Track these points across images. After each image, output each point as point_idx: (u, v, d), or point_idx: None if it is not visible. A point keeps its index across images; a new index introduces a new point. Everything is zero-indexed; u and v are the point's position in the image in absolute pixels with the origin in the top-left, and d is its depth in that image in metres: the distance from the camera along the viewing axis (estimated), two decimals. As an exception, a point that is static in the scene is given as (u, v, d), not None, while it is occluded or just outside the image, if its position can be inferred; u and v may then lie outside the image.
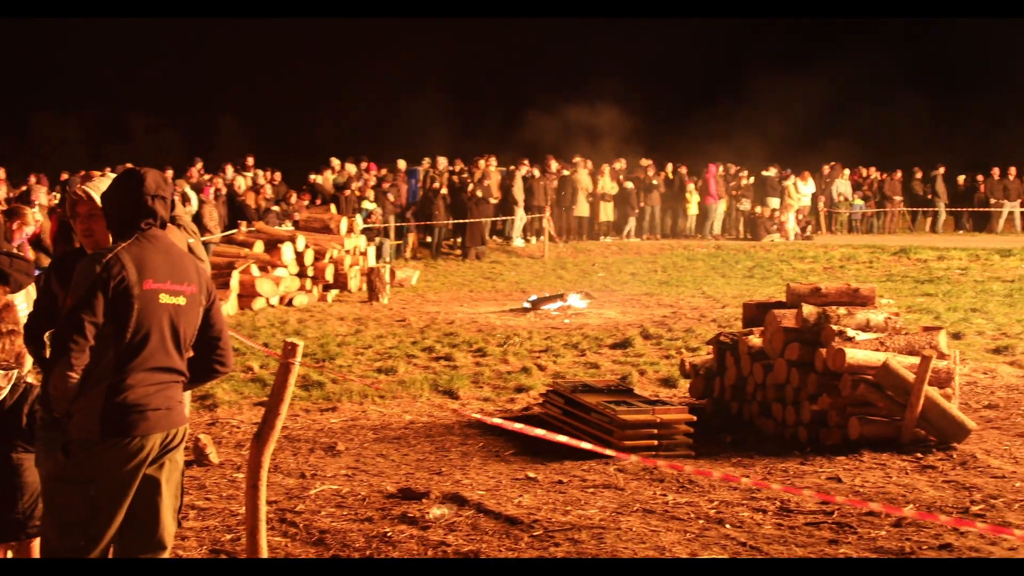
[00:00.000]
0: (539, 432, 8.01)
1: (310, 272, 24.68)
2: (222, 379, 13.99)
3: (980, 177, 43.49)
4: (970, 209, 43.70)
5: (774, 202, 40.17)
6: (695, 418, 11.66)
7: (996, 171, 43.22)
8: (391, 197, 33.24)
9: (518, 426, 8.34)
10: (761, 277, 28.54)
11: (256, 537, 7.67)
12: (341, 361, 16.57)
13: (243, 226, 26.58)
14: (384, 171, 35.86)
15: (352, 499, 9.63)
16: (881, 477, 10.49)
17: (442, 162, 36.69)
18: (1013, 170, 43.21)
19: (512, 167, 36.85)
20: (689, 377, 14.16)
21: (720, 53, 53.53)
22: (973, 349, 17.25)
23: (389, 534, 8.51)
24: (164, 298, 5.97)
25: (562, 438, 8.06)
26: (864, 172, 44.31)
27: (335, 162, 35.64)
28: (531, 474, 10.44)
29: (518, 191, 35.92)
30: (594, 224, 38.74)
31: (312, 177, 33.76)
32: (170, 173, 29.71)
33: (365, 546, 8.25)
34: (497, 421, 10.34)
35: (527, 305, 22.36)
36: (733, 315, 20.20)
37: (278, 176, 33.76)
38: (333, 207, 29.66)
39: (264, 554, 7.69)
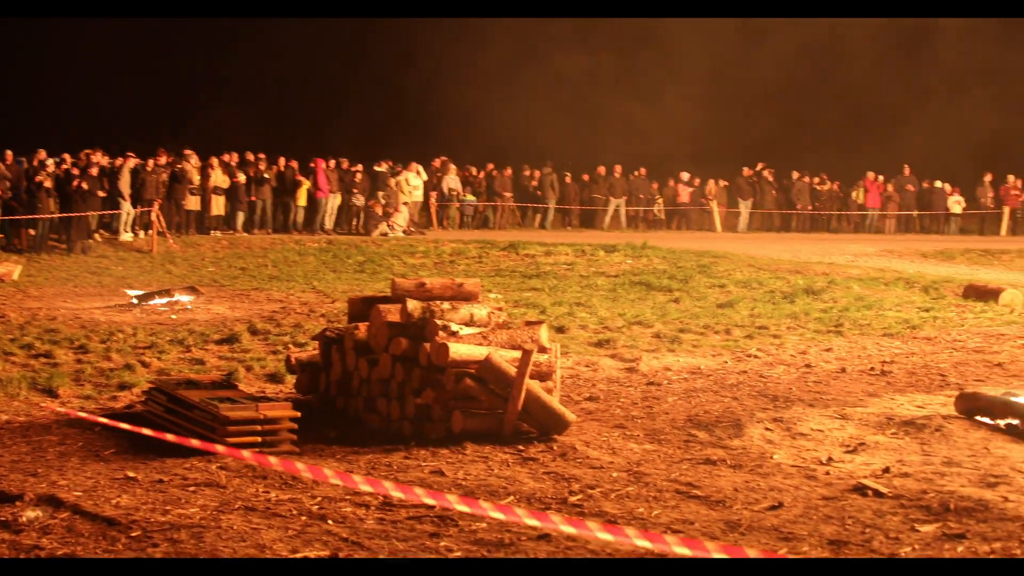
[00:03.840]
0: (124, 426, 7.84)
1: (-98, 267, 23.63)
2: None
3: (586, 176, 45.03)
4: (578, 207, 45.00)
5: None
6: (299, 414, 11.60)
7: (603, 169, 44.65)
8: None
9: (104, 420, 8.16)
10: (372, 272, 28.70)
11: None
12: (-67, 359, 15.89)
13: None
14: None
15: (-60, 504, 9.24)
16: (483, 470, 10.68)
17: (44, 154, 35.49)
18: (619, 168, 44.74)
19: (119, 159, 36.04)
20: (295, 373, 14.11)
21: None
22: (576, 342, 17.74)
23: (-22, 539, 8.19)
24: None
25: (147, 431, 7.92)
26: (473, 170, 44.93)
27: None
28: (131, 473, 10.21)
29: (124, 184, 35.14)
30: (204, 218, 38.16)
31: None
32: None
33: (-48, 552, 7.93)
34: (83, 415, 10.10)
35: (133, 301, 21.91)
36: (342, 310, 20.18)
37: None
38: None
39: None
